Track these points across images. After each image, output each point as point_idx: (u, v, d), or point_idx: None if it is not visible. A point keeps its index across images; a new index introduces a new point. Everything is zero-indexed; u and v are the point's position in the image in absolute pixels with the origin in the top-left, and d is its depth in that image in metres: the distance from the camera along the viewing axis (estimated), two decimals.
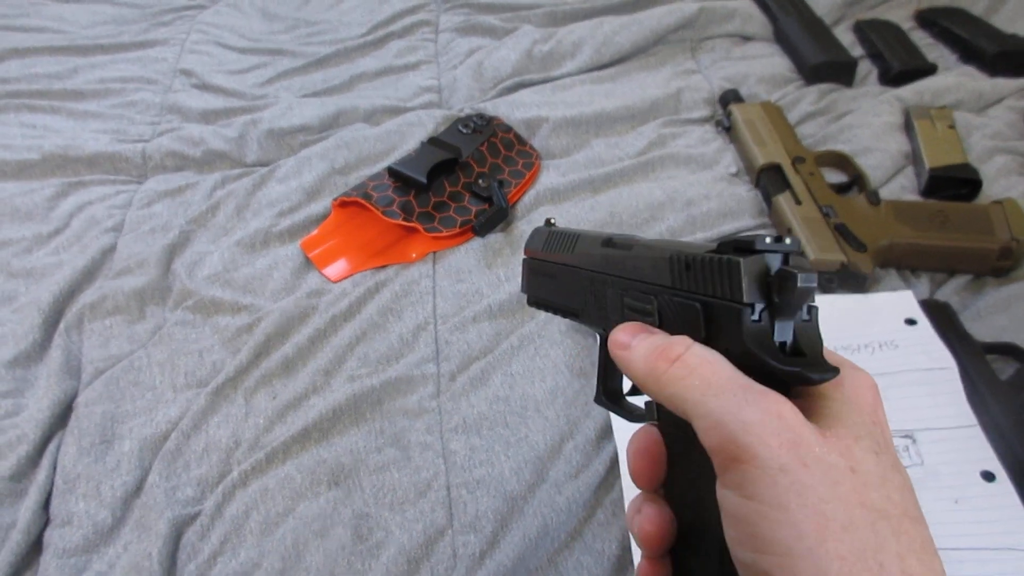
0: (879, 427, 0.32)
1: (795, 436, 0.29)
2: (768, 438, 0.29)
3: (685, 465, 0.37)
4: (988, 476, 0.66)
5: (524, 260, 0.55)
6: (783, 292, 0.33)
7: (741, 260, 0.33)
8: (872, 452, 0.30)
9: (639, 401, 0.44)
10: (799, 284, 0.32)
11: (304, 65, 1.24)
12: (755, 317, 0.33)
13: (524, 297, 0.84)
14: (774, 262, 0.34)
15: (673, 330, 0.37)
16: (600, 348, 0.47)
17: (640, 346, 0.36)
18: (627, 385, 0.42)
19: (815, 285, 0.33)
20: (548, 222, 0.55)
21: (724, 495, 0.30)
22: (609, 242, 0.45)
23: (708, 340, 0.35)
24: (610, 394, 0.47)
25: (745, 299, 0.33)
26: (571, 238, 0.49)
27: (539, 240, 0.53)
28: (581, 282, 0.47)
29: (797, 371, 0.32)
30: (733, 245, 0.35)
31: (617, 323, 0.41)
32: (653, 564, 0.38)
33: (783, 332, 0.34)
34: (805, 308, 0.34)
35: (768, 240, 0.33)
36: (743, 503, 0.29)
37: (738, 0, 1.31)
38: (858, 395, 0.33)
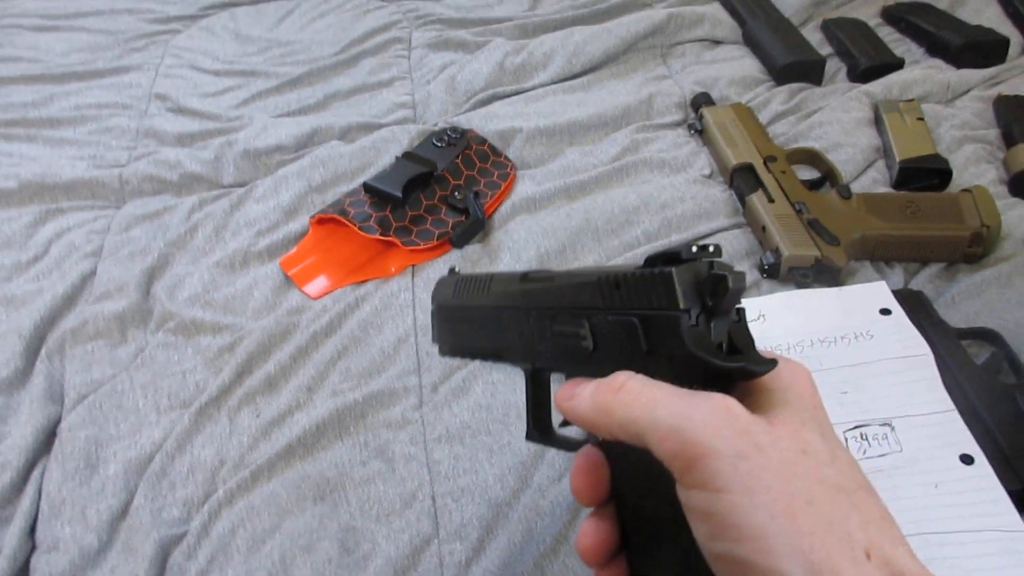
0: (819, 411, 0.34)
1: (745, 425, 0.31)
2: (721, 430, 0.30)
3: (633, 481, 0.37)
4: (967, 459, 0.67)
5: (433, 310, 0.55)
6: (716, 295, 0.34)
7: (673, 270, 0.35)
8: (818, 434, 0.32)
9: (570, 432, 0.45)
10: (731, 285, 0.34)
11: (278, 85, 1.25)
12: (692, 322, 0.34)
13: None
14: (702, 269, 0.35)
15: (610, 349, 0.38)
16: (527, 384, 0.48)
17: (584, 391, 0.37)
18: (558, 417, 0.43)
19: (744, 285, 0.35)
20: (452, 271, 0.55)
21: (689, 496, 0.31)
22: (526, 277, 0.46)
23: (649, 351, 0.36)
24: (541, 428, 0.48)
25: (681, 306, 0.34)
26: (483, 281, 0.49)
27: (447, 289, 0.53)
28: (501, 321, 0.47)
29: (741, 365, 0.34)
30: (661, 258, 0.36)
31: (545, 352, 0.43)
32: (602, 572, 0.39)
33: (719, 334, 0.35)
34: (734, 310, 0.36)
35: (694, 249, 0.35)
36: (710, 496, 0.30)
37: (706, 5, 1.32)
38: (796, 384, 0.34)
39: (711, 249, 0.35)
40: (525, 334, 0.45)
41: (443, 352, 0.56)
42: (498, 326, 0.47)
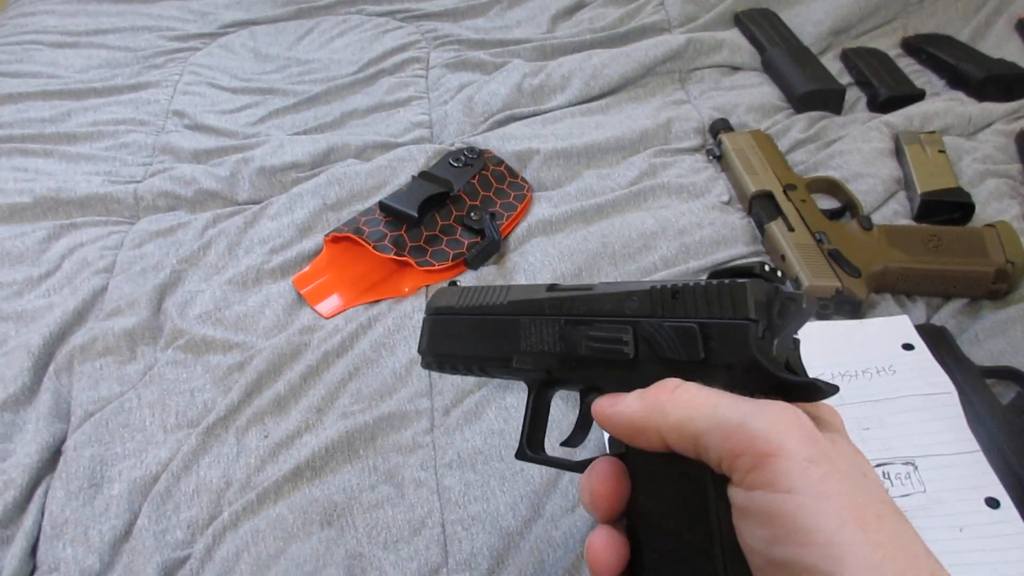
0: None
1: (813, 433, 0.30)
2: (792, 432, 0.30)
3: (657, 496, 0.36)
4: (992, 502, 0.65)
5: (427, 318, 0.53)
6: (785, 313, 0.35)
7: (748, 281, 0.35)
8: (864, 460, 0.32)
9: (562, 453, 0.45)
10: (803, 305, 0.34)
11: (295, 103, 1.25)
12: (759, 335, 0.34)
13: None
14: (772, 289, 0.35)
15: (654, 357, 0.38)
16: (529, 399, 0.47)
17: (629, 396, 0.36)
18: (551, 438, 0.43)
19: (815, 310, 0.35)
20: (453, 283, 0.55)
21: (751, 497, 0.30)
22: (554, 287, 0.45)
23: (705, 360, 0.35)
24: (535, 446, 0.47)
25: (753, 316, 0.34)
26: (498, 290, 0.49)
27: (450, 297, 0.52)
28: (518, 329, 0.46)
29: (810, 381, 0.33)
30: (727, 273, 0.36)
31: (570, 362, 0.42)
32: None
33: (779, 353, 0.35)
34: (793, 339, 0.36)
35: (767, 268, 0.35)
36: (777, 497, 0.29)
37: (726, 31, 1.32)
38: (833, 415, 0.35)
39: (779, 274, 0.36)
40: (547, 343, 0.44)
41: (427, 363, 0.54)
42: (512, 334, 0.46)
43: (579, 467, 0.42)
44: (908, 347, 0.77)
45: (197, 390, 0.80)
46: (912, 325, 0.79)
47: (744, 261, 0.36)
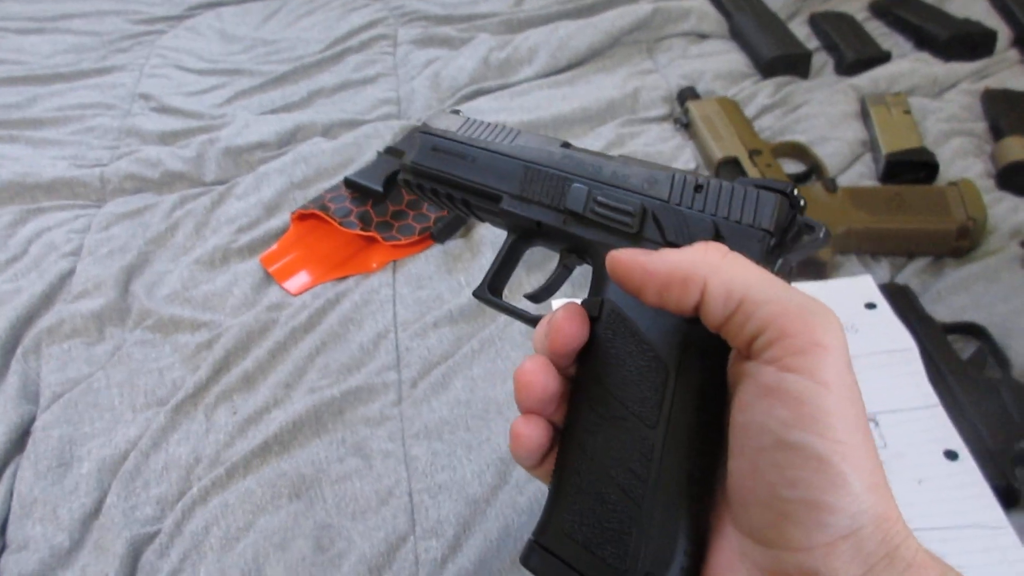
0: None
1: (847, 343, 0.31)
2: (840, 335, 0.31)
3: (621, 363, 0.36)
4: (951, 455, 0.66)
5: (420, 133, 0.50)
6: (798, 238, 0.36)
7: (776, 195, 0.36)
8: None
9: (526, 306, 0.45)
10: (819, 235, 0.35)
11: (262, 83, 1.24)
12: (768, 248, 0.35)
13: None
14: (791, 211, 0.36)
15: (658, 237, 0.38)
16: (506, 244, 0.46)
17: (666, 249, 0.35)
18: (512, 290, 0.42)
19: (827, 243, 0.36)
20: (456, 111, 0.51)
21: (783, 377, 0.30)
22: (568, 145, 0.44)
23: None
24: (496, 290, 0.46)
25: (770, 228, 0.35)
26: (508, 131, 0.46)
27: (451, 122, 0.49)
28: (521, 173, 0.44)
29: None
30: (755, 184, 0.37)
31: (563, 218, 0.42)
32: None
33: (778, 275, 0.35)
34: (792, 267, 0.37)
35: (796, 192, 0.36)
36: (813, 387, 0.29)
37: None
38: None
39: (803, 203, 0.36)
40: (549, 196, 0.43)
41: (405, 180, 0.51)
42: (511, 176, 0.44)
43: (531, 321, 0.42)
44: (871, 306, 0.78)
45: (166, 369, 0.80)
46: (875, 284, 0.80)
47: (775, 181, 0.36)
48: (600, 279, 0.39)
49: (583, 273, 0.42)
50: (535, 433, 0.37)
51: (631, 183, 0.40)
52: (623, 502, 0.34)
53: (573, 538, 0.35)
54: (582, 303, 0.39)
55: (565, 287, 0.48)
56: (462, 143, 0.47)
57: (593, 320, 0.38)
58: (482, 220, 0.49)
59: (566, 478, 0.36)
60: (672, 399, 0.34)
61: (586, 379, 0.37)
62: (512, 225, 0.45)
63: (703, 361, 0.35)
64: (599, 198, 0.40)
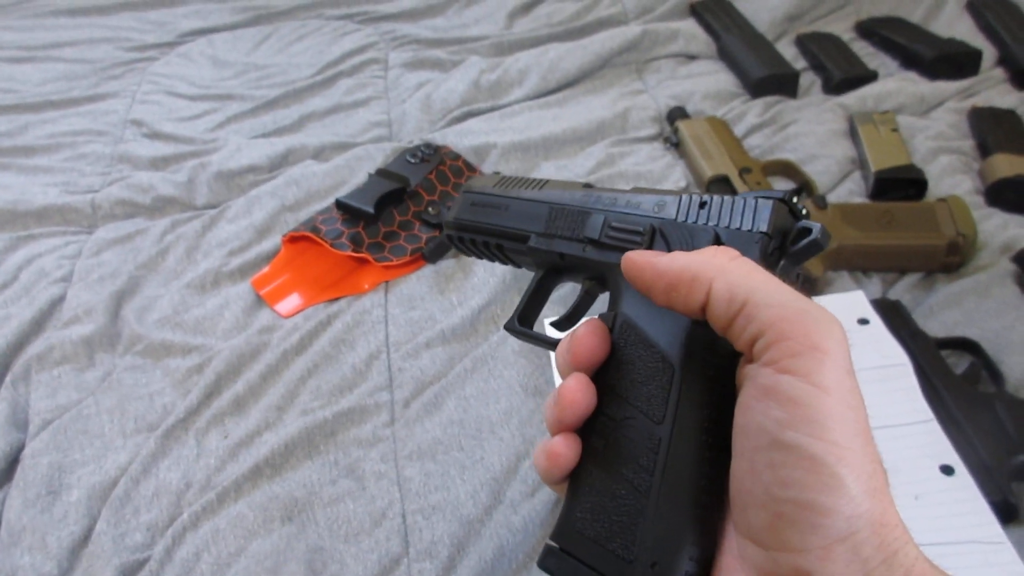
0: None
1: (849, 350, 0.31)
2: (842, 339, 0.31)
3: (631, 366, 0.38)
4: (947, 470, 0.66)
5: (465, 193, 0.55)
6: (798, 240, 0.37)
7: (773, 201, 0.37)
8: None
9: (553, 333, 0.47)
10: (819, 239, 0.36)
11: (254, 108, 1.24)
12: (769, 251, 0.37)
13: (475, 320, 0.84)
14: (789, 216, 0.38)
15: (665, 250, 0.40)
16: (535, 280, 0.49)
17: (677, 252, 0.37)
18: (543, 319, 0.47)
19: (827, 245, 0.37)
20: (496, 173, 0.57)
21: (780, 379, 0.31)
22: (589, 186, 0.48)
23: None
24: (527, 322, 0.49)
25: (767, 231, 0.37)
26: (536, 182, 0.51)
27: (487, 181, 0.55)
28: (541, 213, 0.48)
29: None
30: (759, 194, 0.39)
31: (581, 246, 0.45)
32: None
33: (780, 277, 0.36)
34: (797, 274, 0.37)
35: (794, 200, 0.38)
36: (811, 390, 0.30)
37: (681, 21, 1.33)
38: None
39: (805, 212, 0.38)
40: (570, 228, 0.46)
41: (448, 233, 0.56)
42: (538, 217, 0.49)
43: (555, 345, 0.44)
44: (863, 321, 0.78)
45: (156, 394, 0.80)
46: (867, 300, 0.80)
47: (775, 191, 0.37)
48: (615, 298, 0.42)
49: (604, 302, 0.44)
50: (572, 452, 0.38)
51: (642, 208, 0.43)
52: (632, 495, 0.35)
53: (585, 535, 0.36)
54: (599, 316, 0.41)
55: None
56: (496, 195, 0.53)
57: (608, 332, 0.40)
58: (516, 264, 0.53)
59: (580, 481, 0.37)
60: (678, 396, 0.36)
61: (599, 386, 0.39)
62: (539, 261, 0.49)
63: (709, 360, 0.36)
64: (613, 223, 0.44)
